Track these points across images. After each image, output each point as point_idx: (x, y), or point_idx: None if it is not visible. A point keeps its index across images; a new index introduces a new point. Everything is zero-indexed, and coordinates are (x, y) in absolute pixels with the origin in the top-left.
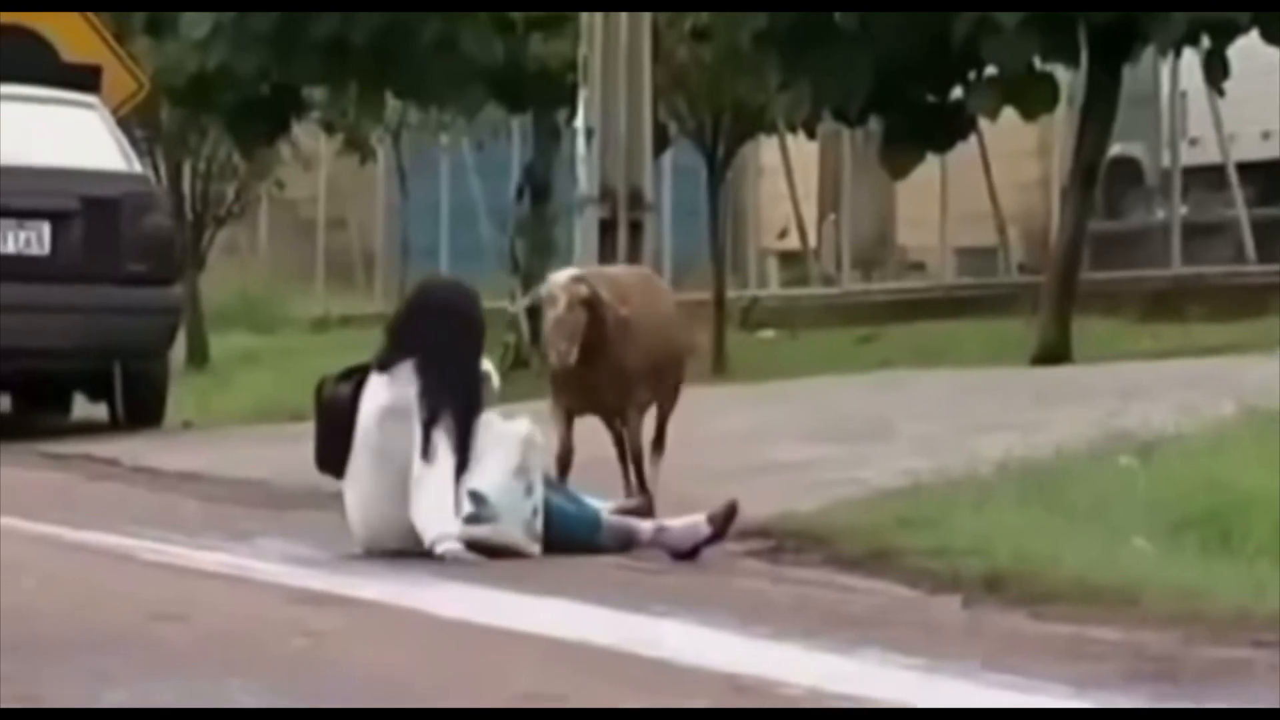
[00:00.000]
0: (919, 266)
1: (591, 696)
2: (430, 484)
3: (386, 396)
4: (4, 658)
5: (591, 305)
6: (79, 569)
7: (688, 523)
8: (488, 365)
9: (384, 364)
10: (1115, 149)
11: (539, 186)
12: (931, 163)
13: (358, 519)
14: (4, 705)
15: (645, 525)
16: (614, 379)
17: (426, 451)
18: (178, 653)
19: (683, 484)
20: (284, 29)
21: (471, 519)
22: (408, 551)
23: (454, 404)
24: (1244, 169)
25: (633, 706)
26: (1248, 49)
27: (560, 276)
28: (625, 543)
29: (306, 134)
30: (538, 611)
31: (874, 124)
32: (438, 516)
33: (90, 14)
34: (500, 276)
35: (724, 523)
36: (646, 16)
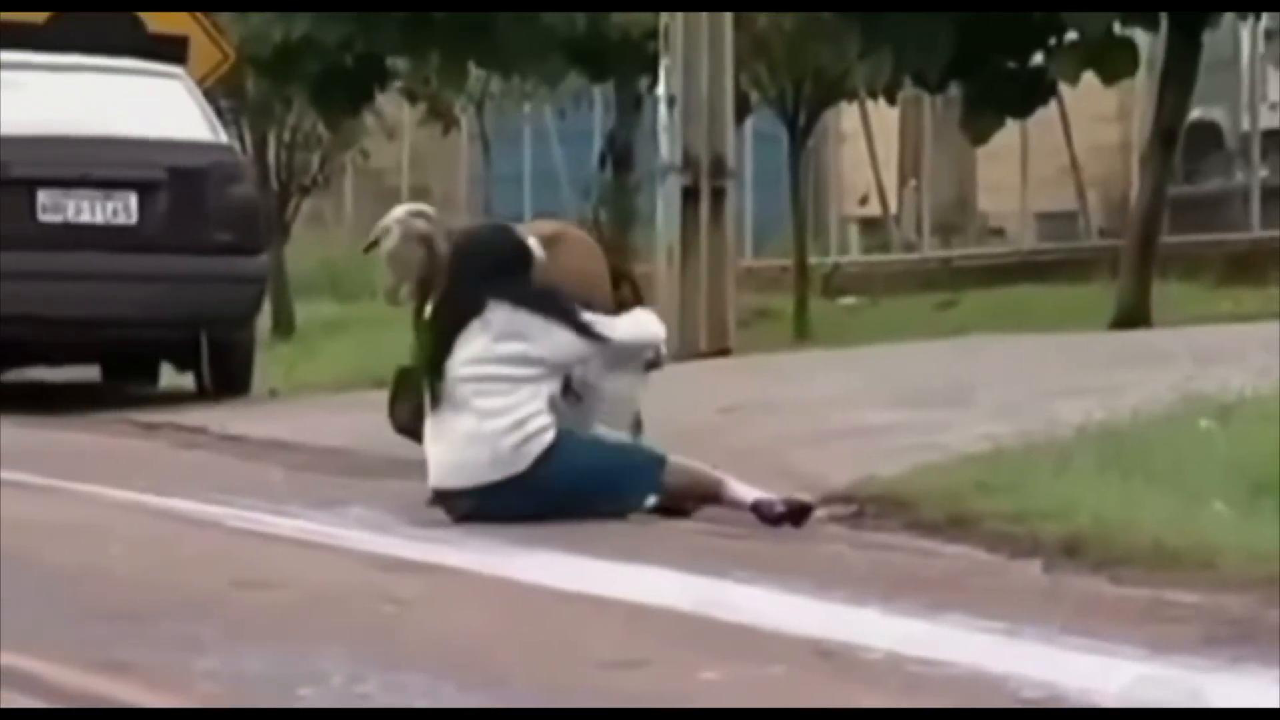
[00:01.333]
0: (999, 232)
1: (672, 662)
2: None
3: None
4: (95, 624)
5: (428, 242)
6: (166, 536)
7: (763, 498)
8: None
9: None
10: (1194, 113)
11: (621, 154)
12: (1011, 128)
13: (450, 456)
14: (97, 671)
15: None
16: None
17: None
18: (265, 620)
19: (768, 448)
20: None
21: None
22: (488, 517)
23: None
24: None
25: (713, 671)
26: None
27: (398, 210)
28: (695, 488)
29: (390, 103)
30: (618, 577)
31: (954, 90)
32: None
33: None
34: None
35: (798, 516)
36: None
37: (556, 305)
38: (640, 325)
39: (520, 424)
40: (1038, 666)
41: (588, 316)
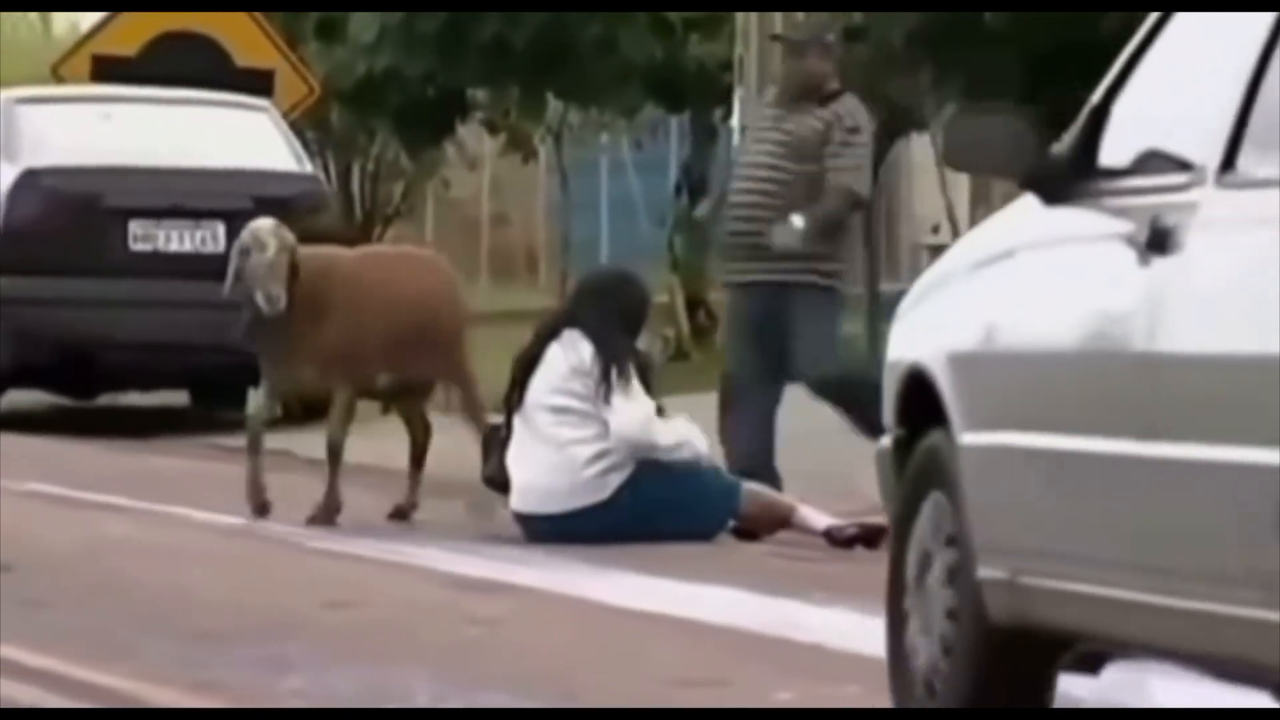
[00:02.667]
0: None
1: (749, 681)
2: (634, 407)
3: (565, 361)
4: (185, 645)
5: (292, 253)
6: (253, 558)
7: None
8: (649, 344)
9: (555, 330)
10: None
11: (697, 183)
12: None
13: (532, 482)
14: (189, 691)
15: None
16: (316, 338)
17: (609, 390)
18: (351, 640)
19: (839, 471)
20: (448, 33)
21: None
22: (563, 538)
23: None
24: None
25: (788, 691)
26: None
27: (265, 222)
28: (768, 513)
29: (471, 134)
30: (694, 598)
31: None
32: (661, 426)
33: (262, 19)
34: (658, 270)
35: (872, 538)
36: (800, 17)
37: (613, 364)
38: (668, 431)
39: (602, 455)
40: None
41: (616, 398)
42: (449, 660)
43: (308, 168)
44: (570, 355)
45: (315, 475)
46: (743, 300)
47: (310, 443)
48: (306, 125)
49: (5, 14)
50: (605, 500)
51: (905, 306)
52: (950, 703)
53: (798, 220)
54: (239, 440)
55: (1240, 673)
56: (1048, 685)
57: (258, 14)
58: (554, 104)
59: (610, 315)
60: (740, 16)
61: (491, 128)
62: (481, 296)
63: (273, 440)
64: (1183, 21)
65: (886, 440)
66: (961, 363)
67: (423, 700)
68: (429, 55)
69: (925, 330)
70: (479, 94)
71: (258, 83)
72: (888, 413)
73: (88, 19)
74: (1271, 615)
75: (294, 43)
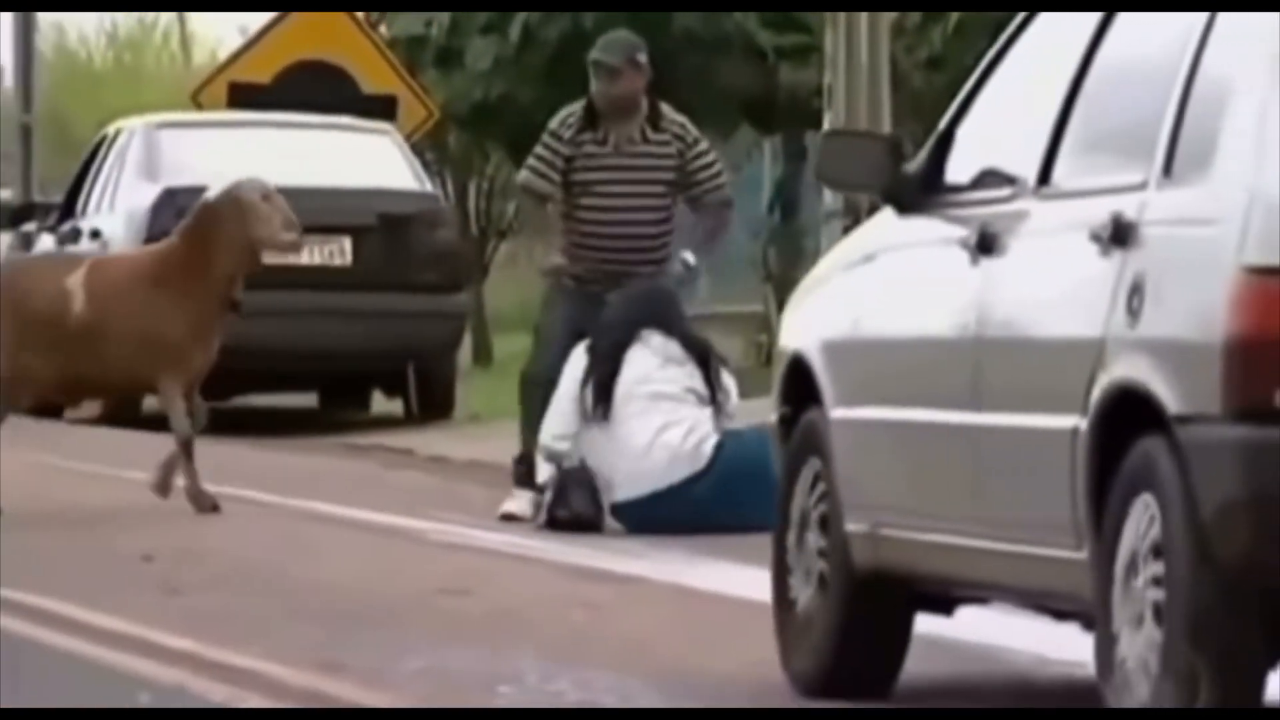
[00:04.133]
0: None
1: None
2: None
3: (656, 356)
4: (314, 628)
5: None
6: (376, 548)
7: None
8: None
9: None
10: None
11: (789, 201)
12: None
13: (633, 467)
14: (316, 671)
15: None
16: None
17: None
18: (466, 624)
19: None
20: (557, 62)
21: None
22: (669, 524)
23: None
24: None
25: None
26: None
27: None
28: None
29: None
30: None
31: None
32: None
33: (386, 49)
34: (753, 282)
35: None
36: (885, 46)
37: (709, 351)
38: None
39: (694, 429)
40: None
41: (724, 377)
42: (557, 642)
43: (427, 186)
44: (659, 351)
45: (435, 472)
46: None
47: (428, 442)
48: (426, 147)
49: (148, 46)
50: (703, 469)
51: (791, 303)
52: (822, 638)
53: None
54: (363, 439)
55: (1055, 606)
56: (906, 622)
57: (382, 44)
58: None
59: (679, 313)
60: (829, 46)
61: None
62: None
63: (396, 440)
64: (1014, 58)
65: (774, 416)
66: (831, 350)
67: (532, 679)
68: (539, 83)
69: (804, 323)
70: None
71: (382, 108)
72: (775, 393)
73: (226, 49)
74: (1074, 554)
75: (415, 71)
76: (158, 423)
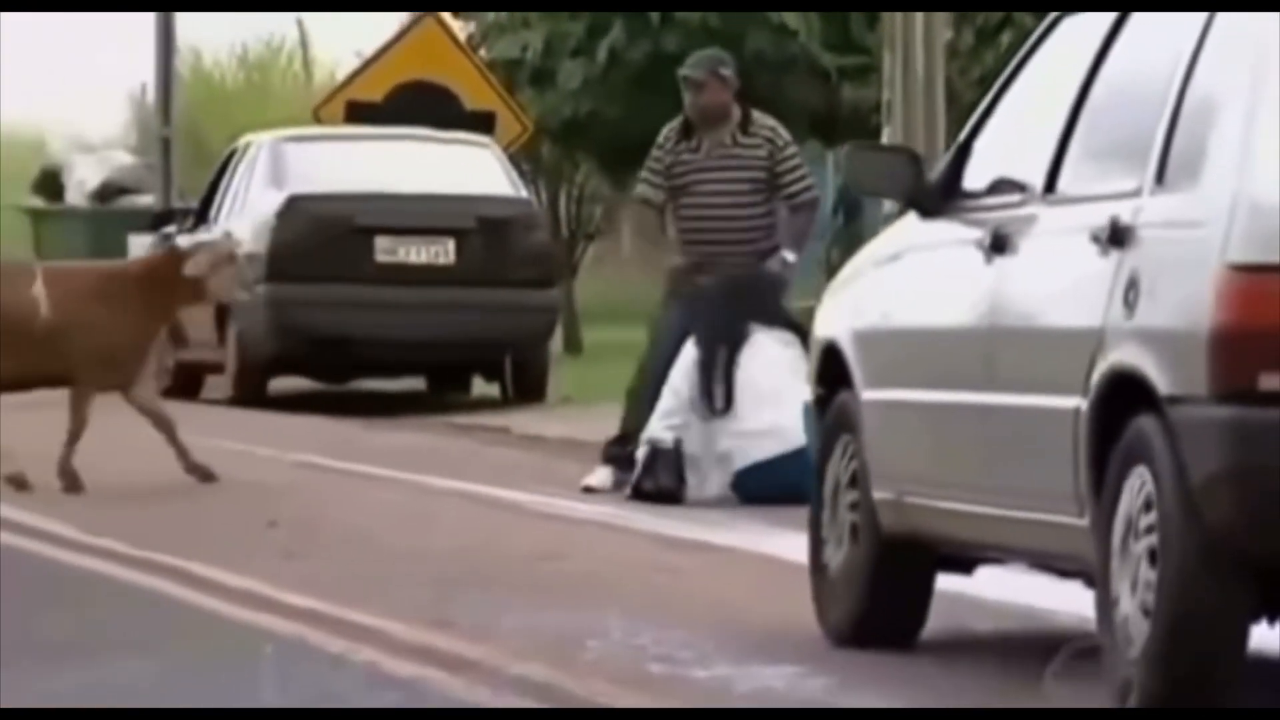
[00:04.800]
0: None
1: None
2: None
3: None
4: (423, 589)
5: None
6: (478, 517)
7: None
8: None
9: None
10: None
11: (851, 206)
12: None
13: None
14: (427, 627)
15: None
16: None
17: None
18: (560, 586)
19: None
20: (640, 81)
21: None
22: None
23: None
24: None
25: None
26: None
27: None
28: None
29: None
30: None
31: None
32: None
33: (485, 70)
34: (820, 280)
35: None
36: (940, 66)
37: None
38: None
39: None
40: None
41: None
42: (640, 603)
43: (522, 193)
44: (776, 338)
45: (531, 450)
46: None
47: (524, 422)
48: (522, 158)
49: (274, 68)
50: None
51: (825, 296)
52: (855, 593)
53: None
54: (464, 419)
55: (1061, 567)
56: (928, 580)
57: (482, 65)
58: None
59: (779, 300)
60: (887, 66)
61: None
62: None
63: (494, 420)
64: (1024, 79)
65: (810, 397)
66: (861, 338)
67: (617, 635)
68: (624, 101)
69: (837, 314)
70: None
71: (482, 123)
72: (811, 376)
73: (343, 70)
74: (1076, 521)
75: (512, 89)
76: (283, 404)
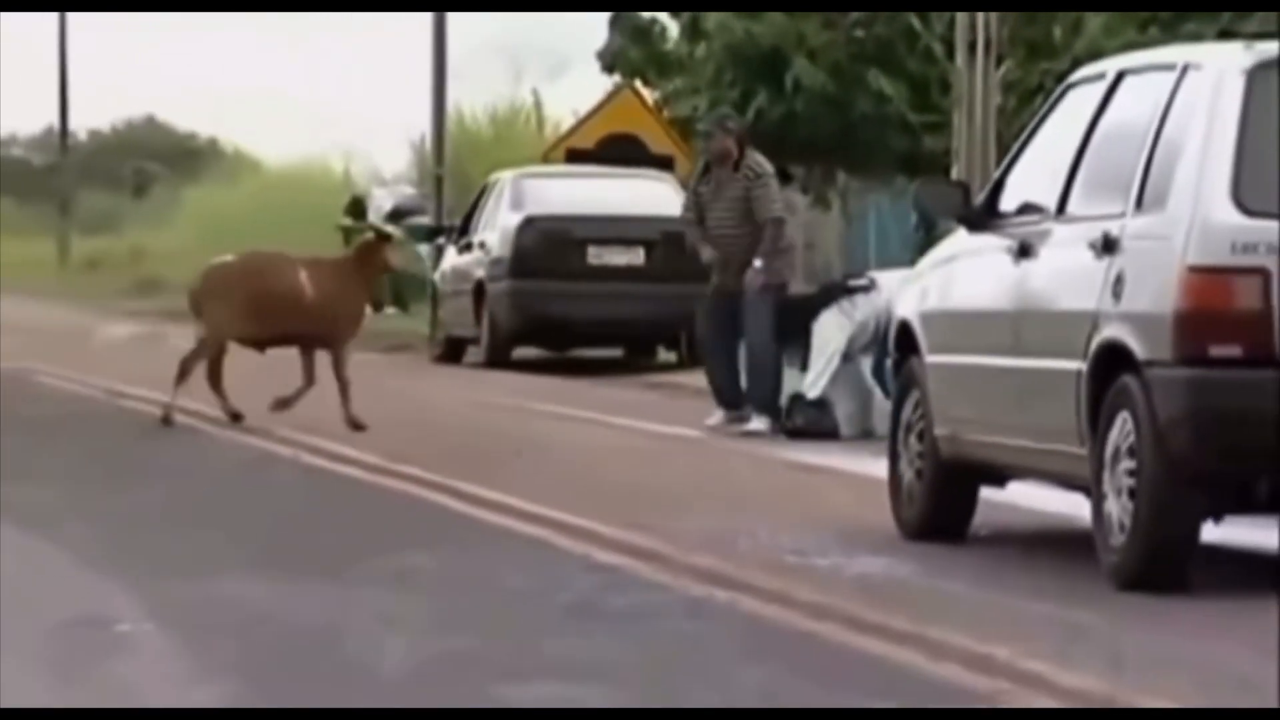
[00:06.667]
0: None
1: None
2: None
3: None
4: (624, 504)
5: None
6: (661, 451)
7: None
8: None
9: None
10: None
11: (930, 223)
12: None
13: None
14: (628, 528)
15: None
16: None
17: None
18: (721, 503)
19: None
20: (776, 130)
21: None
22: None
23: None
24: None
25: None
26: None
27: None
28: None
29: (791, 191)
30: None
31: None
32: None
33: (667, 124)
34: None
35: None
36: (994, 121)
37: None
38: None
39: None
40: None
41: None
42: (780, 511)
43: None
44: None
45: (703, 400)
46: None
47: (695, 379)
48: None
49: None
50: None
51: (900, 286)
52: (922, 502)
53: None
54: (656, 378)
55: (1067, 483)
56: (973, 491)
57: (664, 121)
58: (842, 177)
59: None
60: (955, 122)
61: (804, 189)
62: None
63: (671, 378)
64: (1045, 129)
65: (890, 361)
66: (926, 318)
67: (762, 535)
68: (764, 143)
69: (908, 300)
70: (798, 169)
71: (664, 163)
72: (891, 345)
73: (566, 124)
74: (1078, 450)
75: (686, 138)
76: (522, 366)
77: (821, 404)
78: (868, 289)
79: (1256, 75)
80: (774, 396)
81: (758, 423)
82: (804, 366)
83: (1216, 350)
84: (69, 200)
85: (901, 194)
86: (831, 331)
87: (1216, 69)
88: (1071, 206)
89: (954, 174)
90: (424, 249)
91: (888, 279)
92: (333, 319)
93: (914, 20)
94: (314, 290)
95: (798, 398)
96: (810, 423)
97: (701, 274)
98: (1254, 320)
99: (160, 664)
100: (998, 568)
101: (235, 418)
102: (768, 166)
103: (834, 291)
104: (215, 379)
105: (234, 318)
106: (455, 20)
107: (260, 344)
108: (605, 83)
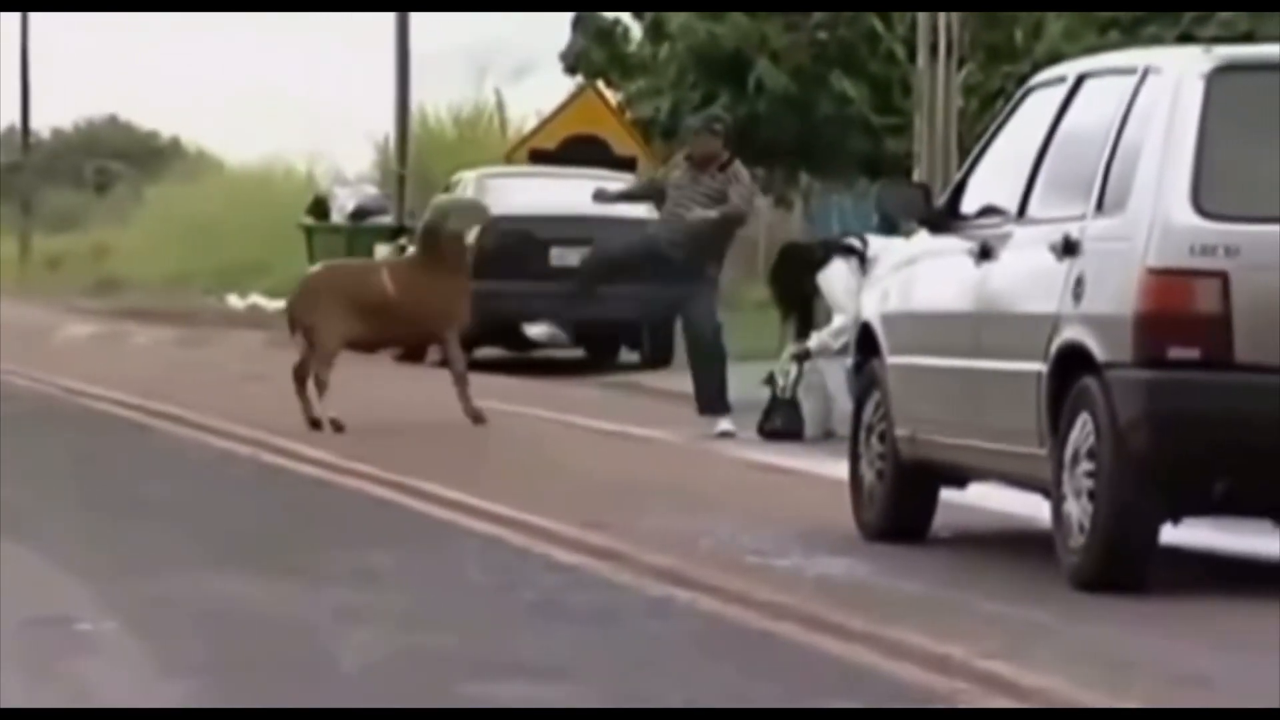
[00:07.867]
0: None
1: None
2: None
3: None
4: (583, 500)
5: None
6: (622, 450)
7: None
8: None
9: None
10: None
11: (891, 224)
12: None
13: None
14: (584, 527)
15: None
16: None
17: None
18: (684, 499)
19: None
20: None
21: None
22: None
23: None
24: None
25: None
26: None
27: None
28: None
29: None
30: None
31: None
32: None
33: (630, 126)
34: None
35: None
36: (955, 124)
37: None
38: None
39: None
40: None
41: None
42: (740, 512)
43: (655, 215)
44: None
45: (661, 400)
46: None
47: (657, 380)
48: None
49: (479, 123)
50: None
51: (862, 288)
52: (882, 503)
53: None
54: (617, 378)
55: (1027, 484)
56: (933, 493)
57: (627, 122)
58: (804, 178)
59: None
60: (918, 124)
61: (766, 190)
62: (758, 287)
63: (632, 378)
64: (1006, 133)
65: (850, 362)
66: (887, 319)
67: (723, 534)
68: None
69: (870, 302)
70: (759, 171)
71: (627, 165)
72: (851, 347)
73: (528, 125)
74: (1038, 451)
75: (648, 139)
76: (484, 367)
77: (794, 404)
78: (862, 252)
79: (1215, 79)
80: (724, 390)
81: (726, 423)
82: (802, 328)
83: (1176, 352)
84: (31, 199)
85: (863, 195)
86: (847, 281)
87: (1176, 73)
88: (1032, 209)
89: (915, 176)
90: (385, 249)
91: (879, 242)
92: (437, 314)
93: (876, 23)
94: (401, 289)
95: (777, 400)
96: (787, 424)
97: (667, 274)
98: (1213, 322)
99: (122, 662)
100: (958, 568)
101: (315, 425)
102: (748, 177)
103: (832, 247)
104: (301, 384)
105: (345, 321)
106: (419, 21)
107: (372, 346)
108: (568, 84)
